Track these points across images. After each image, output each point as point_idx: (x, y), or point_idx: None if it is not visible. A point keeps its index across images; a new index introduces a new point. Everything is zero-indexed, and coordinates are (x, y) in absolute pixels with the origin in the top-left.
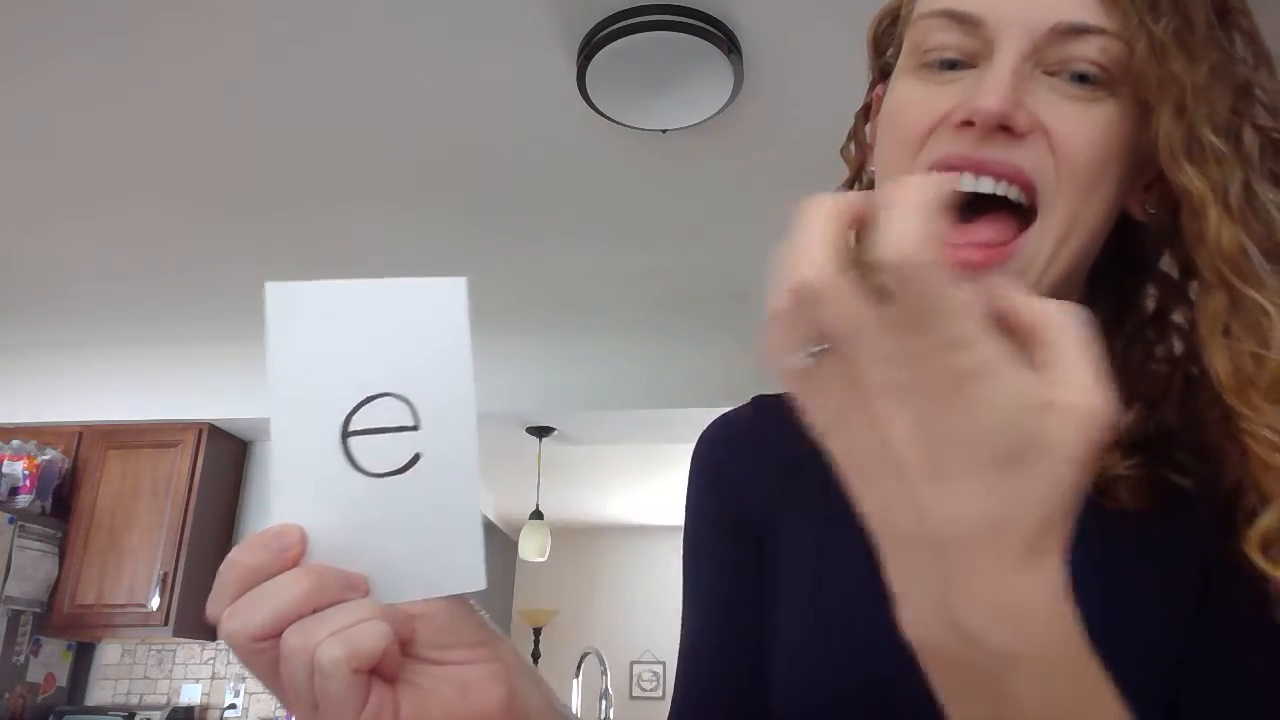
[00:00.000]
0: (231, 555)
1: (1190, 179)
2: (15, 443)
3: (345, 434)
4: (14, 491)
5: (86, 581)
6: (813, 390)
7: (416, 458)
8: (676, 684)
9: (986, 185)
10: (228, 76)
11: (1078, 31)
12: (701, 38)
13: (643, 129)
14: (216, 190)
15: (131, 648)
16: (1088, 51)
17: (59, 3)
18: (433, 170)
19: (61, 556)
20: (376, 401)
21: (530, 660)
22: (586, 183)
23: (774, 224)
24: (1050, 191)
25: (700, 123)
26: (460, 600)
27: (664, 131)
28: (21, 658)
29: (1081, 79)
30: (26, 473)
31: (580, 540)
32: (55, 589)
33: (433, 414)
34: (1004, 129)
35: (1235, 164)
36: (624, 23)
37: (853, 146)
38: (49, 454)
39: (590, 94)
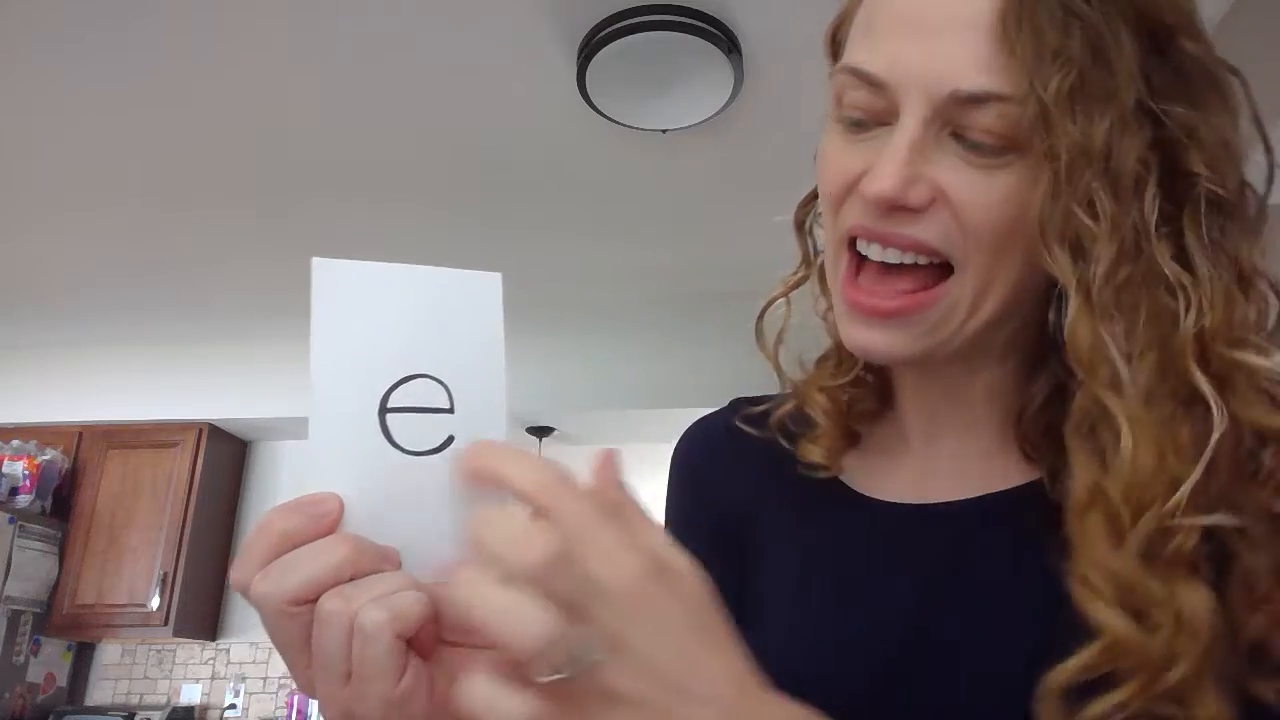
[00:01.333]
0: (265, 519)
1: (1059, 267)
2: (15, 443)
3: (384, 409)
4: (14, 491)
5: (86, 581)
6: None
7: (450, 439)
8: None
9: (893, 256)
10: (227, 77)
11: (975, 100)
12: (701, 38)
13: (643, 129)
14: (217, 190)
15: (131, 648)
16: (986, 121)
17: (56, 7)
18: (432, 170)
19: (61, 556)
20: (414, 381)
21: None
22: (586, 183)
23: (773, 224)
24: (960, 255)
25: (700, 123)
26: None
27: (664, 131)
28: (21, 658)
29: (978, 148)
30: (26, 473)
31: None
32: (55, 589)
33: (466, 399)
34: (901, 208)
35: (1110, 242)
36: (624, 23)
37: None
38: (49, 454)
39: (590, 94)
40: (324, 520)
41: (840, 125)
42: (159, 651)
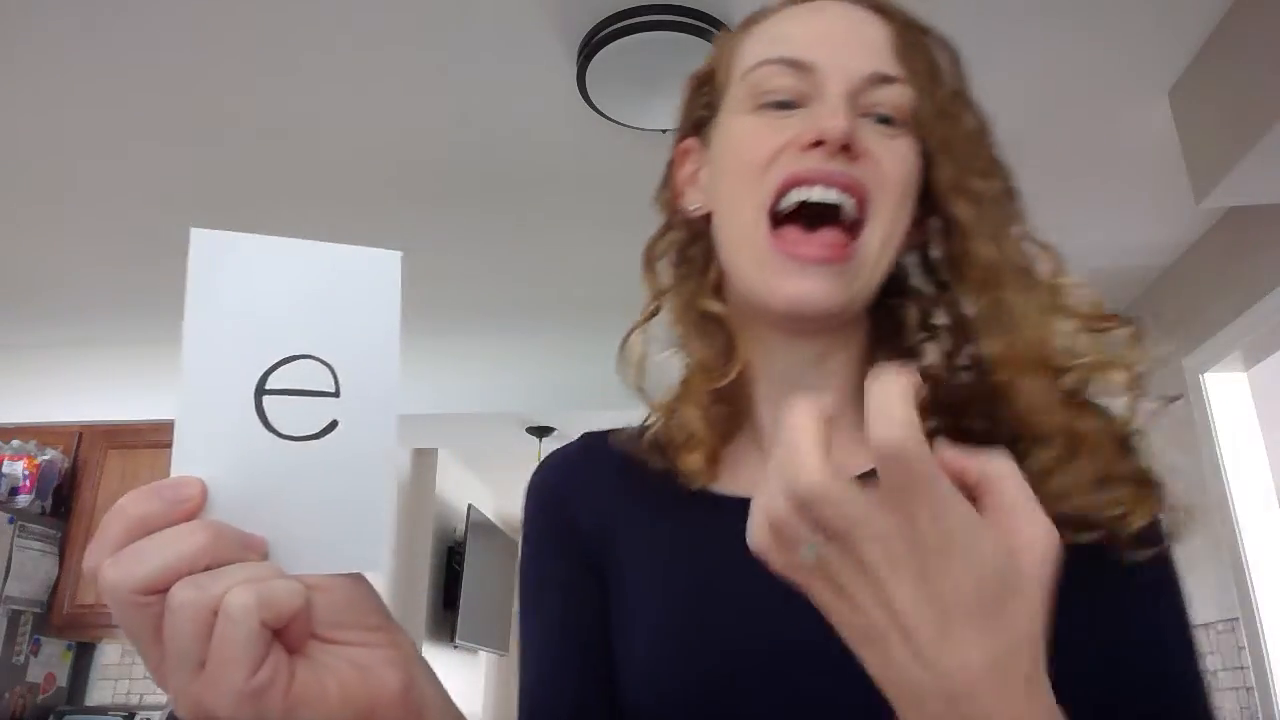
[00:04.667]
0: (121, 502)
1: (963, 211)
2: (15, 443)
3: (260, 390)
4: (14, 491)
5: (86, 581)
6: (815, 577)
7: (333, 425)
8: (524, 707)
9: (834, 195)
10: (225, 77)
11: (885, 79)
12: (702, 38)
13: (643, 129)
14: (216, 190)
15: (131, 648)
16: (890, 97)
17: (58, 9)
18: (432, 170)
19: (61, 556)
20: (298, 362)
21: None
22: (586, 183)
23: None
24: (878, 204)
25: None
26: (360, 580)
27: (664, 131)
28: (21, 658)
29: (884, 120)
30: (26, 473)
31: None
32: (55, 589)
33: (354, 384)
34: (844, 149)
35: (990, 202)
36: (624, 23)
37: (665, 195)
38: (49, 454)
39: (590, 94)
40: (183, 505)
41: (760, 110)
42: None
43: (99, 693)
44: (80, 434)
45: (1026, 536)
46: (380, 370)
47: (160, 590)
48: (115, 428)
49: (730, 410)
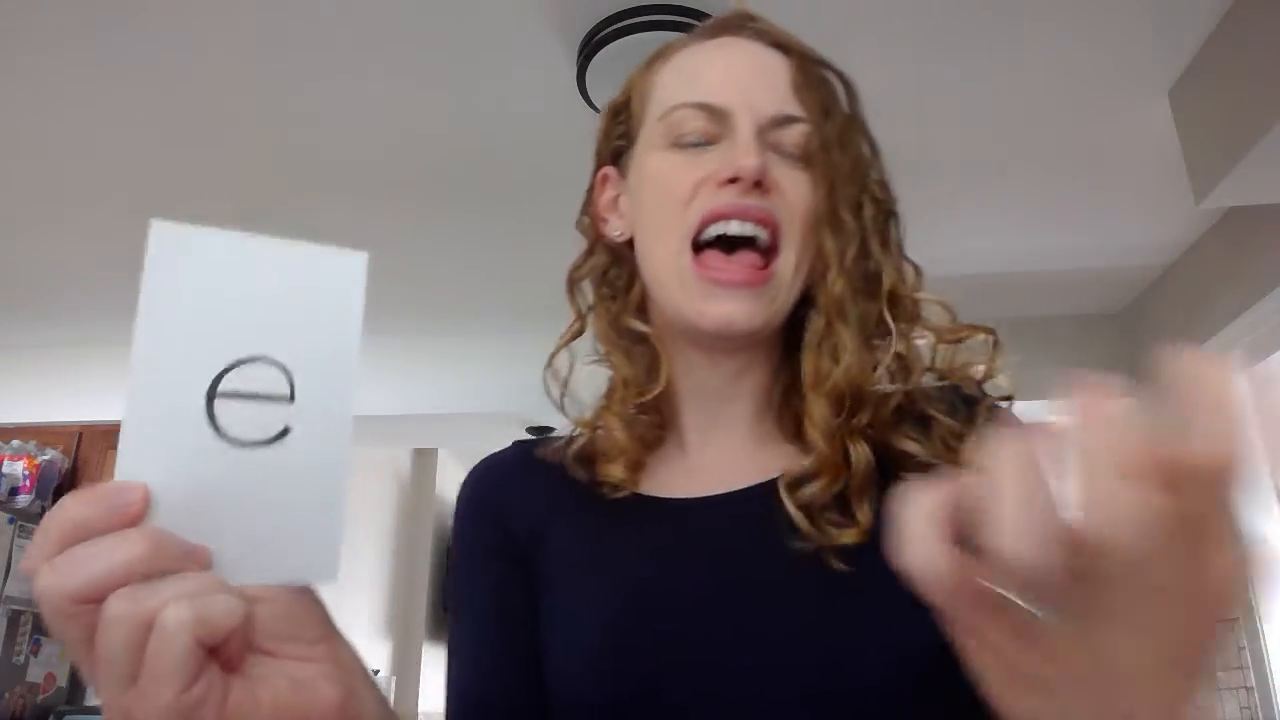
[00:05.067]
0: (61, 502)
1: (826, 242)
2: (15, 443)
3: (212, 393)
4: (14, 491)
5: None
6: (1036, 647)
7: (285, 431)
8: (454, 706)
9: (749, 228)
10: (225, 77)
11: (789, 120)
12: None
13: None
14: (215, 191)
15: None
16: (793, 136)
17: (59, 11)
18: (432, 171)
19: None
20: (252, 365)
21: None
22: (586, 183)
23: None
24: (788, 233)
25: None
26: (304, 591)
27: None
28: (21, 658)
29: (791, 156)
30: (26, 473)
31: None
32: None
33: (310, 389)
34: (757, 185)
35: (855, 234)
36: (624, 23)
37: (585, 221)
38: (49, 454)
39: (590, 94)
40: (124, 511)
41: (676, 148)
42: None
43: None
44: (80, 434)
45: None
46: (338, 376)
47: (95, 600)
48: (115, 428)
49: (654, 420)
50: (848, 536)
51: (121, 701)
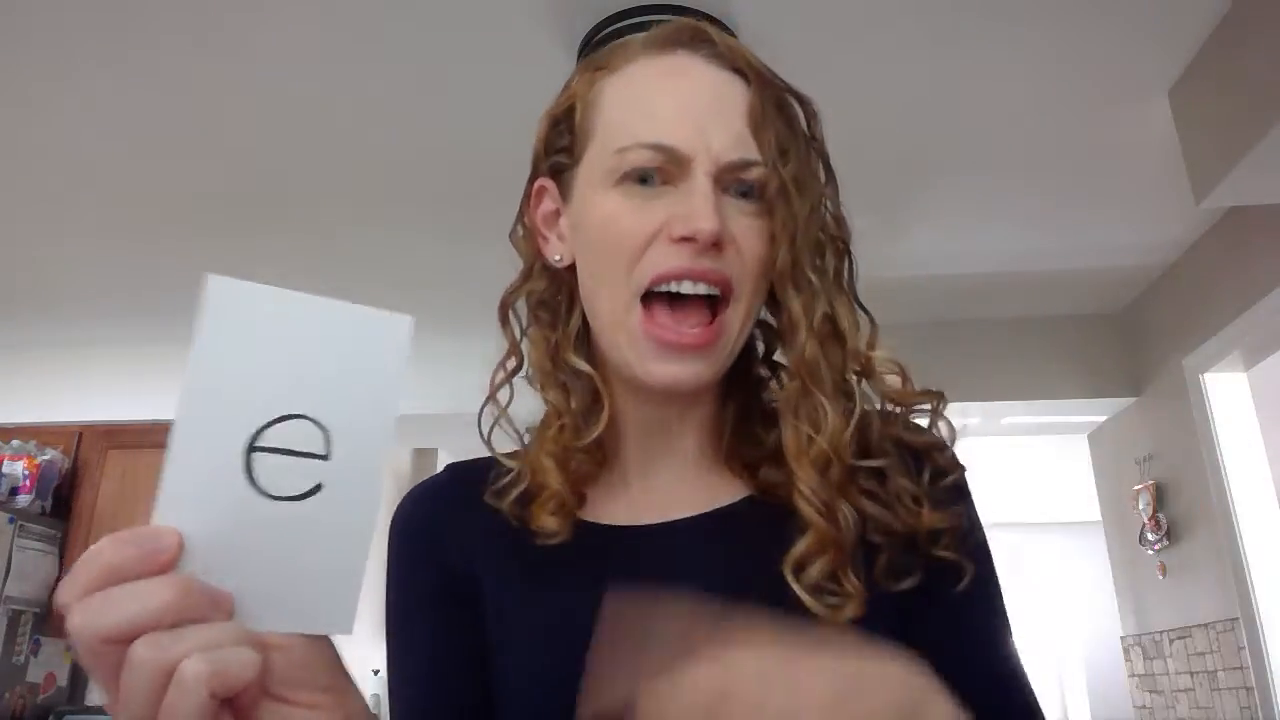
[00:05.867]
0: (97, 546)
1: (792, 302)
2: (15, 443)
3: (251, 447)
4: (14, 491)
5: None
6: None
7: (317, 488)
8: None
9: (702, 288)
10: (225, 80)
11: (745, 165)
12: None
13: None
14: (216, 192)
15: None
16: (750, 177)
17: (59, 13)
18: (432, 170)
19: (61, 557)
20: (291, 422)
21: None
22: None
23: None
24: (740, 289)
25: None
26: (321, 639)
27: None
28: (21, 658)
29: (746, 195)
30: (26, 473)
31: None
32: (55, 589)
33: (346, 447)
34: (714, 245)
35: (822, 292)
36: (624, 23)
37: (520, 230)
38: (49, 454)
39: None
40: (158, 557)
41: (624, 186)
42: None
43: (99, 693)
44: (80, 434)
45: None
46: (373, 437)
47: (124, 641)
48: (115, 428)
49: (594, 457)
50: (851, 610)
51: None
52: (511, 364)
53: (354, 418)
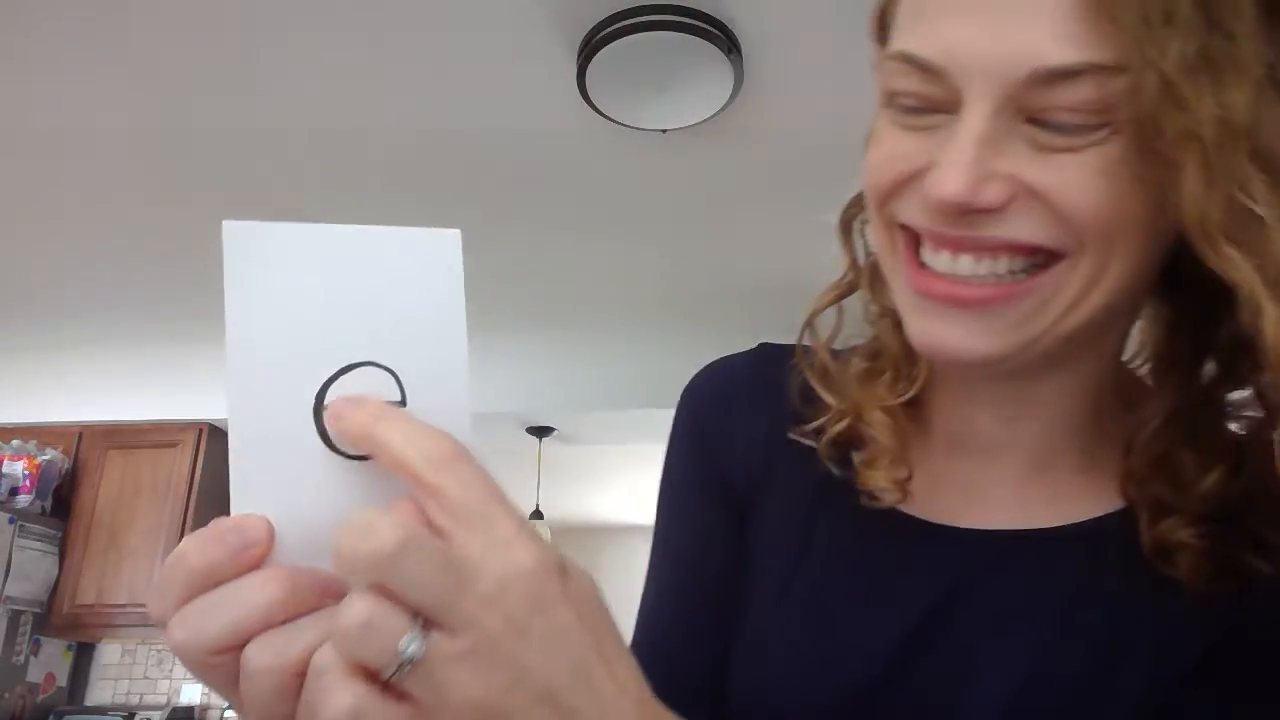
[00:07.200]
0: (182, 547)
1: (1233, 265)
2: (15, 443)
3: (319, 406)
4: (14, 491)
5: (86, 581)
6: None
7: None
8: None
9: (966, 266)
10: (227, 76)
11: (1065, 75)
12: (701, 38)
13: (643, 129)
14: (216, 190)
15: (131, 648)
16: (1077, 97)
17: (57, 4)
18: (432, 170)
19: (61, 556)
20: (357, 371)
21: None
22: (586, 183)
23: (774, 224)
24: (1072, 245)
25: (700, 123)
26: None
27: (664, 131)
28: (21, 658)
29: (1067, 127)
30: (26, 473)
31: (580, 540)
32: (55, 589)
33: (420, 388)
34: (975, 210)
35: (1272, 235)
36: (624, 23)
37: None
38: (49, 454)
39: (590, 94)
40: (249, 552)
41: (892, 112)
42: (159, 651)
43: (99, 692)
44: (80, 434)
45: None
46: (447, 368)
47: (234, 650)
48: (115, 428)
49: (913, 418)
50: None
51: None
52: (846, 280)
53: (421, 353)
